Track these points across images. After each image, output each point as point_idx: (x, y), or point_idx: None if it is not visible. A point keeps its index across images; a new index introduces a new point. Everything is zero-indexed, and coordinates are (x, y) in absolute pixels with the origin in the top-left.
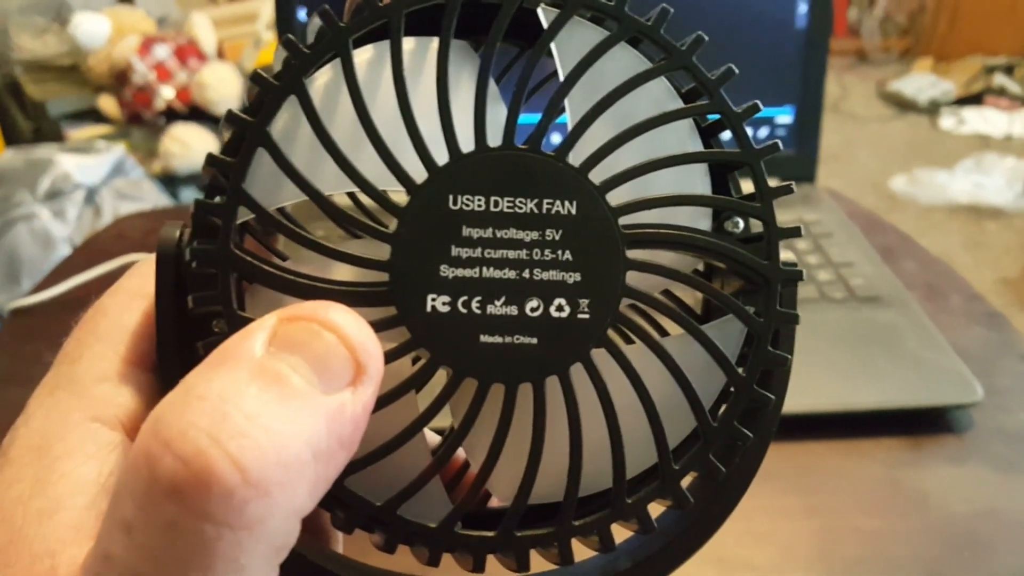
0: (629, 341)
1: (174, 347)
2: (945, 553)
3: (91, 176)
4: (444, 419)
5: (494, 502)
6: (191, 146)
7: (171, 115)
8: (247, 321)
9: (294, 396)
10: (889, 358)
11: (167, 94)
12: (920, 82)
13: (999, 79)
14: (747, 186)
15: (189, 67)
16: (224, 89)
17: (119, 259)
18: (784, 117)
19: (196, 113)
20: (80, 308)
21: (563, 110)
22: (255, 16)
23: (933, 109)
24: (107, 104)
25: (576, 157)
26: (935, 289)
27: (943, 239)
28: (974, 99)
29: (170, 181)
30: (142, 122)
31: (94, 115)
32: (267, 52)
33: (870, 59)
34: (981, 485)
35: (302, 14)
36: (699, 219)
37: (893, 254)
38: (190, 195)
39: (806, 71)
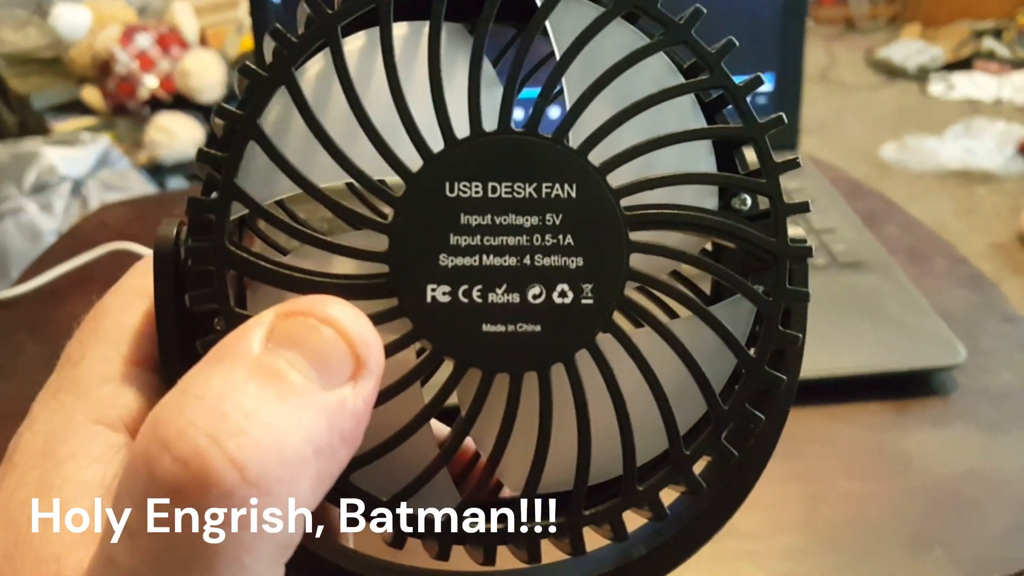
0: (636, 325)
1: (175, 346)
2: (930, 514)
3: (77, 168)
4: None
5: (505, 493)
6: (176, 135)
7: (155, 104)
8: (244, 318)
9: (293, 393)
10: (872, 322)
11: (150, 83)
12: (908, 48)
13: (987, 43)
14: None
15: (172, 55)
16: (208, 76)
17: (101, 248)
18: (765, 86)
19: (180, 102)
20: (63, 297)
21: (561, 91)
22: (236, 2)
23: (922, 75)
24: (91, 95)
25: (575, 138)
26: (918, 253)
27: (934, 205)
28: (963, 64)
29: (156, 171)
30: (126, 112)
31: (78, 107)
32: (250, 38)
33: (858, 27)
34: (965, 446)
35: None
36: (704, 198)
37: (876, 219)
38: (177, 184)
39: (785, 37)
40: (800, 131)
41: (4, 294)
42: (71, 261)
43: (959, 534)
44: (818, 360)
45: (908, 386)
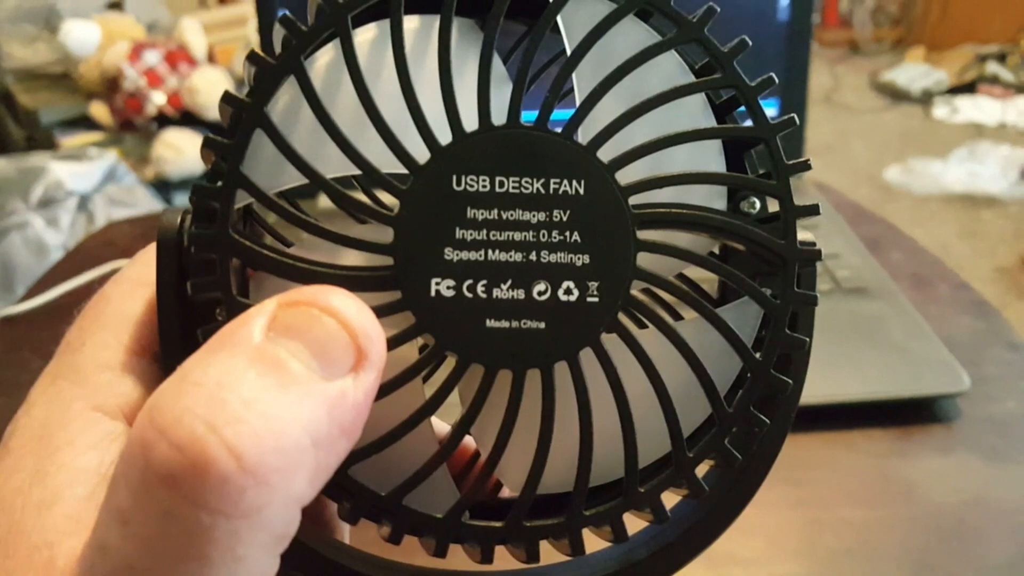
0: (641, 325)
1: (176, 335)
2: (933, 543)
3: (84, 183)
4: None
5: (505, 492)
6: (183, 151)
7: (163, 120)
8: (246, 307)
9: (293, 382)
10: (875, 349)
11: (158, 100)
12: (913, 72)
13: (992, 67)
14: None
15: (180, 72)
16: (215, 93)
17: (107, 265)
18: (768, 110)
19: (188, 118)
20: (68, 315)
21: (572, 88)
22: (245, 20)
23: (926, 99)
24: (99, 111)
25: (584, 135)
26: (922, 279)
27: (938, 229)
28: (967, 88)
29: (163, 187)
30: (134, 128)
31: (86, 122)
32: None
33: (862, 50)
34: (969, 474)
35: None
36: (713, 199)
37: (880, 245)
38: (183, 201)
39: (789, 63)
40: (804, 155)
41: (9, 311)
42: (76, 279)
43: (962, 563)
44: (821, 386)
45: (911, 413)
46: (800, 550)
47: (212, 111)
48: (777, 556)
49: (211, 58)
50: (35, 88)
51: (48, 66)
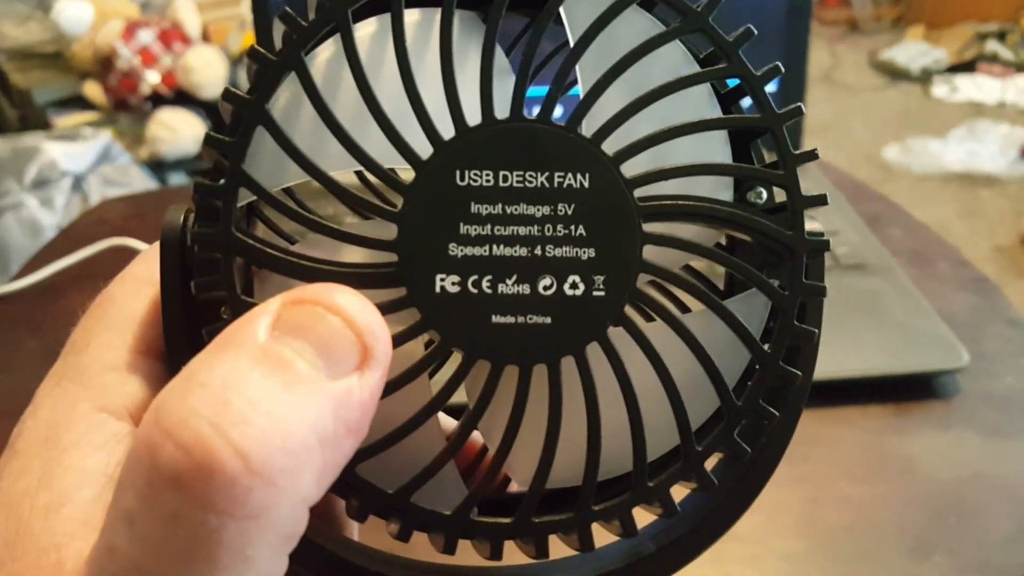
0: (648, 319)
1: (181, 334)
2: (931, 519)
3: (78, 163)
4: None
5: (513, 487)
6: (178, 131)
7: (157, 100)
8: (251, 306)
9: (299, 381)
10: (874, 325)
11: (152, 79)
12: (912, 50)
13: (991, 46)
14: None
15: (174, 51)
16: (210, 72)
17: (101, 243)
18: (768, 86)
19: (182, 97)
20: (62, 293)
21: (575, 80)
22: None
23: (925, 77)
24: (92, 90)
25: (588, 127)
26: (921, 256)
27: (937, 208)
28: (967, 66)
29: (158, 166)
30: (128, 108)
31: (80, 102)
32: (252, 35)
33: (862, 28)
34: (967, 450)
35: None
36: (720, 190)
37: (879, 222)
38: (178, 180)
39: (789, 40)
40: (804, 133)
41: (3, 289)
42: (70, 256)
43: (960, 539)
44: (820, 362)
45: (910, 390)
46: (799, 526)
47: (207, 90)
48: (776, 533)
49: (205, 36)
50: (28, 67)
51: (41, 45)
